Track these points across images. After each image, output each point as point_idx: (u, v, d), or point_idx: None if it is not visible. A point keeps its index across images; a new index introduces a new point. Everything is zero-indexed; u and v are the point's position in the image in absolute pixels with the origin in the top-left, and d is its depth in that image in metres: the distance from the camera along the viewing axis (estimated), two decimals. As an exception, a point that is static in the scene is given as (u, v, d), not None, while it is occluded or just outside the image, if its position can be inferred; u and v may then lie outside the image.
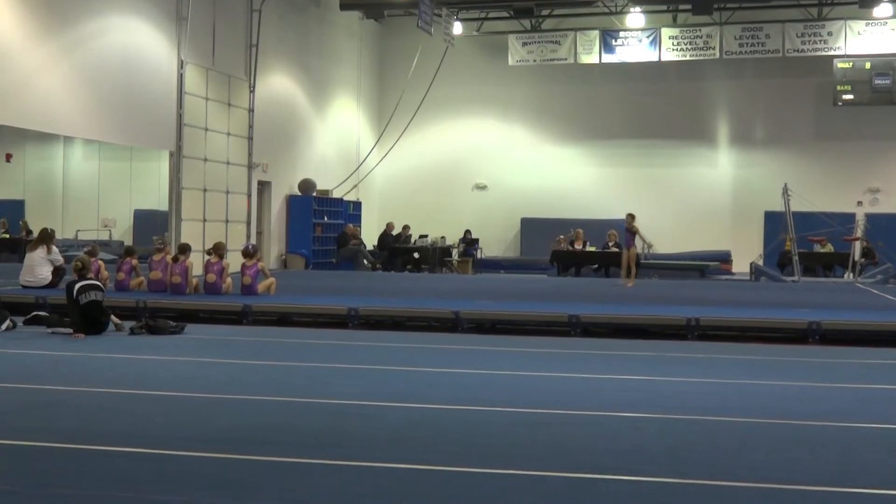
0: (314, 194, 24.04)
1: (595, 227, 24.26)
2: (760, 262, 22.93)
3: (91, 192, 21.92)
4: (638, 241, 18.24)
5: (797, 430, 6.31)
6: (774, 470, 5.20)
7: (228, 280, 14.17)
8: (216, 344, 10.69)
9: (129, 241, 19.99)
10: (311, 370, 8.82)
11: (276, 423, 6.32)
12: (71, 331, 10.66)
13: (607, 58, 25.86)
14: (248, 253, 14.27)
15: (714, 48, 25.08)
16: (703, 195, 27.14)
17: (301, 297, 14.00)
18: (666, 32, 25.44)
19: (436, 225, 27.04)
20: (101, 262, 13.59)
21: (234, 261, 15.23)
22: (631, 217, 17.72)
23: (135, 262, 14.61)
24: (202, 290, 13.92)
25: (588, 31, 25.95)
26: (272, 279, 14.33)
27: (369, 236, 26.43)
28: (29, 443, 5.64)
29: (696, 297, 15.50)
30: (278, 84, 23.12)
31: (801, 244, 22.54)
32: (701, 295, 16.06)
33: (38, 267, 14.29)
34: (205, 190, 19.52)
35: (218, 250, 14.21)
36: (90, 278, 11.20)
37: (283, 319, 12.74)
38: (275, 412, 6.72)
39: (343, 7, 24.99)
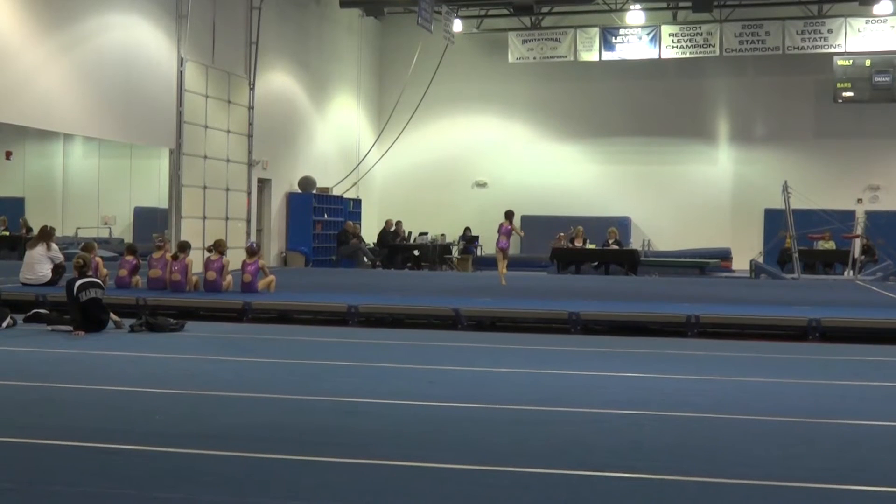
0: (314, 192, 24.03)
1: (595, 225, 24.24)
2: (760, 260, 22.93)
3: (91, 189, 21.90)
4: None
5: (797, 428, 6.31)
6: (774, 467, 5.20)
7: (228, 277, 14.17)
8: (216, 341, 10.69)
9: (129, 239, 19.99)
10: (310, 367, 8.83)
11: (276, 420, 6.32)
12: (71, 328, 10.66)
13: (607, 55, 25.85)
14: (252, 251, 14.30)
15: (714, 45, 25.07)
16: (703, 192, 27.10)
17: (301, 295, 14.01)
18: (666, 30, 25.43)
19: (436, 222, 27.03)
20: (99, 259, 13.57)
21: (234, 258, 15.23)
22: (511, 214, 17.20)
23: (136, 259, 14.63)
24: (202, 288, 13.92)
25: (588, 29, 25.94)
26: (272, 277, 14.33)
27: (369, 234, 26.42)
28: (29, 440, 5.64)
29: (696, 294, 15.50)
30: (278, 81, 23.11)
31: (801, 241, 22.53)
32: (701, 292, 16.06)
33: (38, 264, 14.29)
34: (205, 187, 19.51)
35: (218, 247, 14.21)
36: (90, 276, 11.19)
37: (283, 317, 12.74)
38: (275, 409, 6.72)
39: (343, 4, 25.00)
